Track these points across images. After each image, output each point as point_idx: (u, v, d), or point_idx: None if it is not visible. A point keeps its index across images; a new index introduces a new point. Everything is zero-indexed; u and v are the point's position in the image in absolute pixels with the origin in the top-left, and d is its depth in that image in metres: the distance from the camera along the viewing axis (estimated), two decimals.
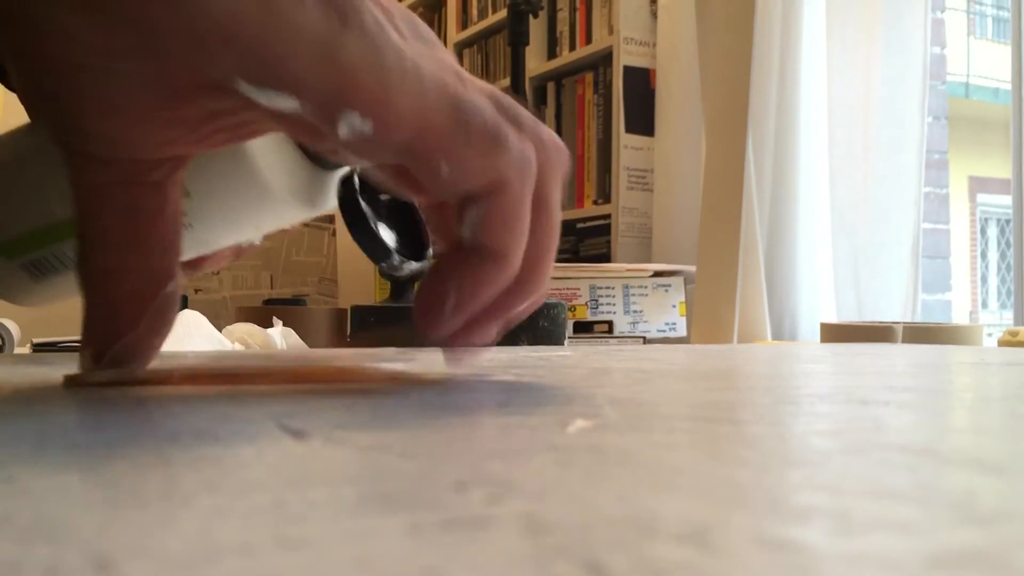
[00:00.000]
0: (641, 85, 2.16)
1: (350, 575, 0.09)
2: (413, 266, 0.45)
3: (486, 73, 2.82)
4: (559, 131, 2.43)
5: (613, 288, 1.48)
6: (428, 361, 0.32)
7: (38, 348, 0.94)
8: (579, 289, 1.48)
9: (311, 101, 0.23)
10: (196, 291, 2.28)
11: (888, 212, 1.56)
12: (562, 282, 1.47)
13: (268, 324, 0.87)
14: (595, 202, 2.27)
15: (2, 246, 0.32)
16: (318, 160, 0.33)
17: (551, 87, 2.47)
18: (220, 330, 0.82)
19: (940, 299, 1.84)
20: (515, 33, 1.77)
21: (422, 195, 0.27)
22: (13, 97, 0.27)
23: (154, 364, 0.27)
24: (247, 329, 0.85)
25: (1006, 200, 1.61)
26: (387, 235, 0.47)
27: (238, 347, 0.81)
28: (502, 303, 0.27)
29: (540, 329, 0.84)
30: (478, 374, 0.34)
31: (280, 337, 0.85)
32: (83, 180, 0.25)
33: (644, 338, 1.48)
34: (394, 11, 0.25)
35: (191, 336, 0.76)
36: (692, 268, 1.63)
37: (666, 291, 1.51)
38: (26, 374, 0.33)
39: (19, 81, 0.25)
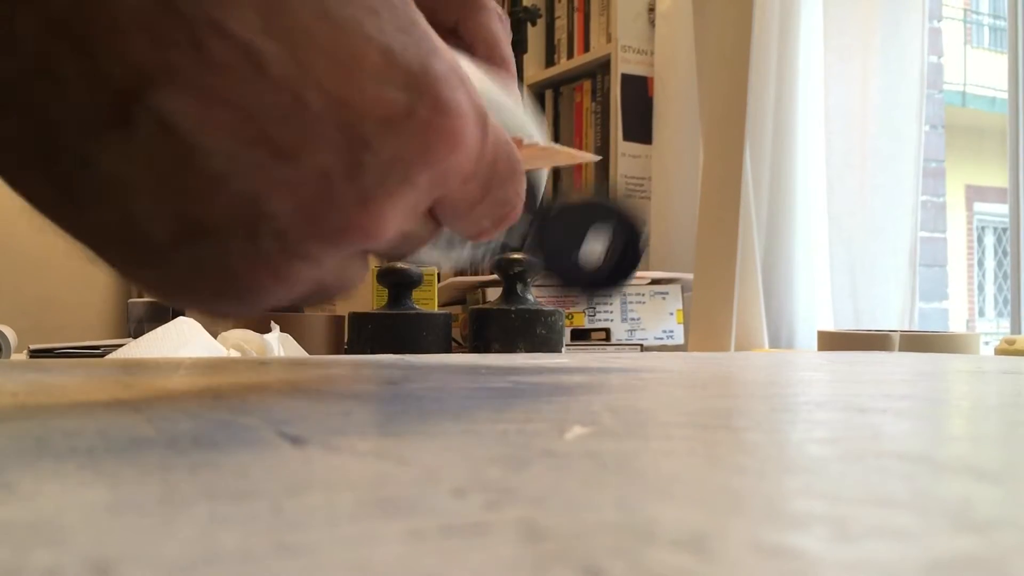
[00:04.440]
0: (639, 93, 2.16)
1: None
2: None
3: None
4: (556, 138, 2.43)
5: (610, 295, 1.48)
6: (425, 368, 0.32)
7: (35, 354, 0.94)
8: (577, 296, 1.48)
9: None
10: None
11: (885, 220, 1.56)
12: (560, 289, 1.47)
13: (266, 330, 0.87)
14: None
15: None
16: None
17: (549, 95, 2.47)
18: (215, 336, 0.82)
19: (937, 307, 1.84)
20: (513, 41, 1.77)
21: None
22: None
23: (152, 370, 0.27)
24: (242, 335, 0.85)
25: (1003, 209, 1.61)
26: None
27: (234, 353, 0.81)
28: None
29: (537, 336, 0.84)
30: (476, 381, 0.34)
31: (277, 343, 0.85)
32: None
33: (641, 345, 1.48)
34: None
35: (186, 343, 0.76)
36: (690, 276, 1.63)
37: (664, 299, 1.51)
38: (24, 380, 0.33)
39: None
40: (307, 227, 0.21)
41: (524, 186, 0.27)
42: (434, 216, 0.25)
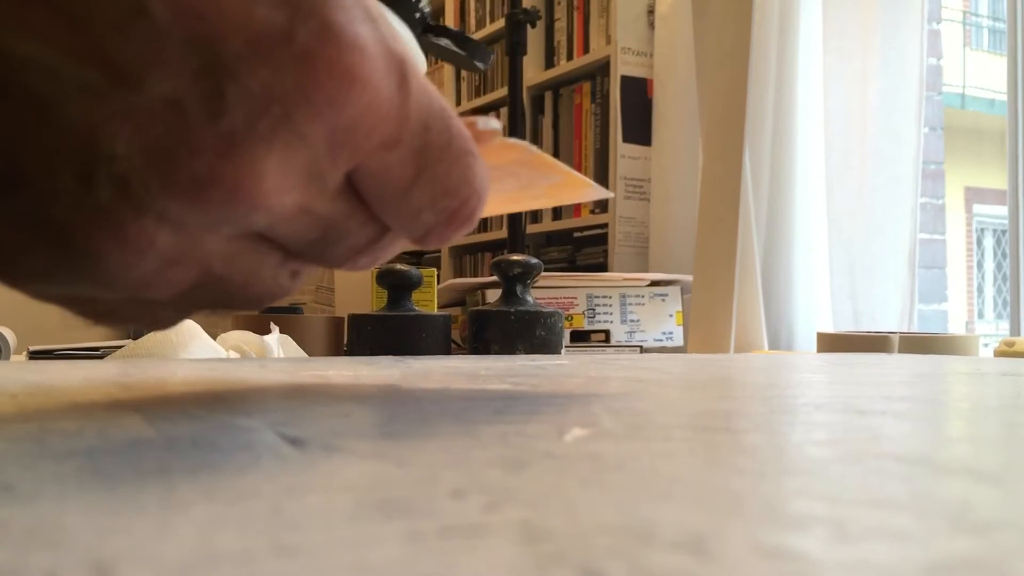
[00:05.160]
0: (638, 95, 2.16)
1: None
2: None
3: (484, 82, 2.82)
4: (556, 140, 2.43)
5: (610, 297, 1.48)
6: (425, 370, 0.32)
7: (34, 356, 0.94)
8: (576, 298, 1.48)
9: None
10: None
11: (884, 222, 1.56)
12: (559, 291, 1.47)
13: (265, 332, 0.87)
14: (592, 211, 2.27)
15: None
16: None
17: (548, 97, 2.47)
18: (215, 338, 0.82)
19: (936, 309, 1.84)
20: (513, 43, 1.77)
21: None
22: None
23: (152, 371, 0.27)
24: (242, 337, 0.85)
25: (1002, 210, 1.62)
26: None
27: (233, 355, 0.81)
28: None
29: (537, 338, 0.84)
30: (475, 383, 0.34)
31: (277, 344, 0.85)
32: None
33: (641, 347, 1.48)
34: None
35: (185, 345, 0.76)
36: (689, 277, 1.63)
37: (663, 300, 1.51)
38: (23, 381, 0.33)
39: None
40: (156, 175, 0.17)
41: (480, 173, 0.21)
42: (365, 203, 0.21)
